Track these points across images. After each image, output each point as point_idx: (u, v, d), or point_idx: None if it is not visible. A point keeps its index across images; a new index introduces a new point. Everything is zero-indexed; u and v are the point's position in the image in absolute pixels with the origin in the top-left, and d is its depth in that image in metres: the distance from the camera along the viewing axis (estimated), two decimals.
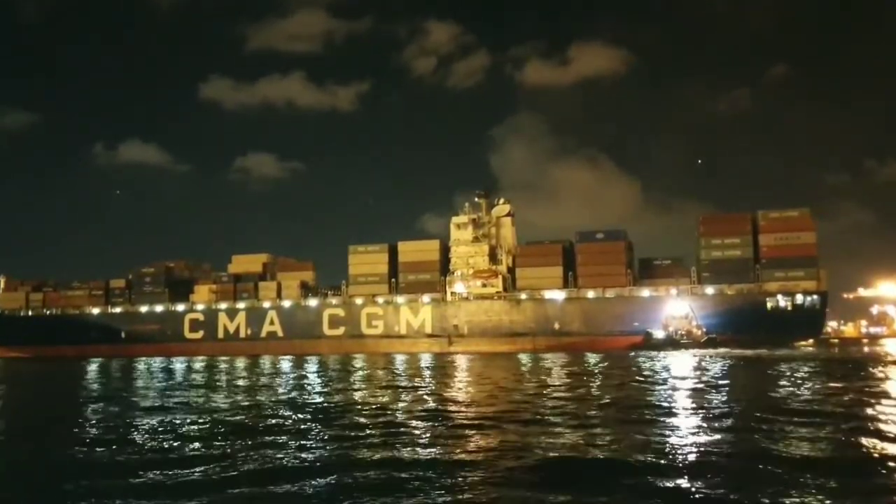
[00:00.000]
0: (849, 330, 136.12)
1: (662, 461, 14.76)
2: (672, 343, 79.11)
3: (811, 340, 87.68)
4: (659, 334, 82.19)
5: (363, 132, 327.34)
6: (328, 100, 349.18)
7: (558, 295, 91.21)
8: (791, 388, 30.75)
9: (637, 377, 38.32)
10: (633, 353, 71.70)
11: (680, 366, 48.30)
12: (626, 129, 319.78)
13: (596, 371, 46.87)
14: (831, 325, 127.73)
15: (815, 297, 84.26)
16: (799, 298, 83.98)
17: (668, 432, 18.55)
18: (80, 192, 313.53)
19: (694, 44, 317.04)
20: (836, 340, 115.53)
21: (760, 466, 14.08)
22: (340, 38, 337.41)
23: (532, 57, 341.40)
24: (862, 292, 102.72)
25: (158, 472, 14.89)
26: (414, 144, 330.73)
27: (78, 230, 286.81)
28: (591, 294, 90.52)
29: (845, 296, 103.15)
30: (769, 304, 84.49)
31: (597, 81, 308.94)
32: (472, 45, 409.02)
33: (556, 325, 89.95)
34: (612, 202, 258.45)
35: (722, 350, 70.83)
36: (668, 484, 12.95)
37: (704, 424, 20.00)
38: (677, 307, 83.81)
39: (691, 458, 15.32)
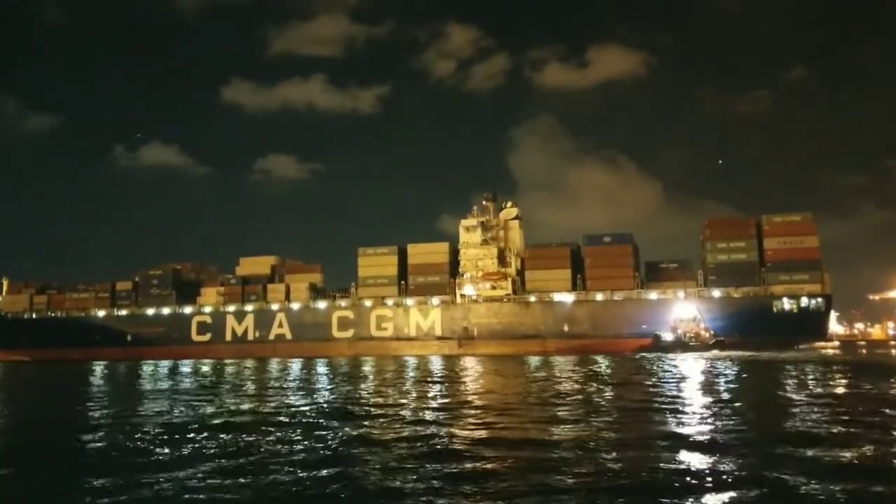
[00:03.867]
0: (876, 332, 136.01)
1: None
2: (681, 345, 79.97)
3: (837, 343, 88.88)
4: (667, 336, 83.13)
5: (383, 134, 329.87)
6: (349, 102, 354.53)
7: (567, 297, 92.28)
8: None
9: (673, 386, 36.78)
10: (643, 355, 72.89)
11: (699, 369, 49.15)
12: (646, 131, 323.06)
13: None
14: (858, 326, 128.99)
15: (819, 299, 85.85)
16: (804, 301, 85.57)
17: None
18: (100, 194, 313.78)
19: (711, 46, 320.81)
20: (863, 342, 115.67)
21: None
22: (361, 42, 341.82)
23: (551, 59, 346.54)
24: (890, 294, 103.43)
25: (164, 479, 14.29)
26: (433, 146, 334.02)
27: (88, 233, 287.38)
28: (599, 296, 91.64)
29: (871, 297, 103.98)
30: (775, 307, 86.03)
31: (615, 83, 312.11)
32: (492, 48, 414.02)
33: (566, 328, 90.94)
34: (633, 203, 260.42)
35: (735, 353, 71.83)
36: None
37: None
38: (685, 310, 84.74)
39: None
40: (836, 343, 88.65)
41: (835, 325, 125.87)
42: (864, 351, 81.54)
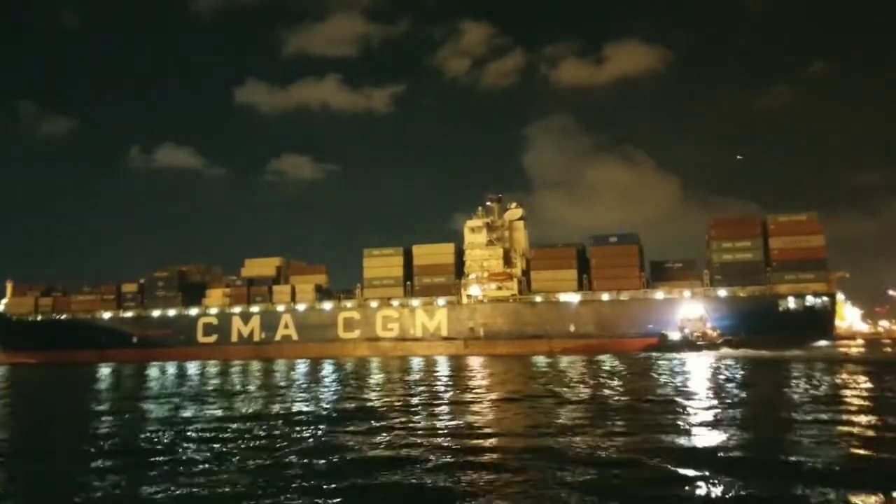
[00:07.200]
0: None
1: None
2: (688, 344, 79.94)
3: (861, 341, 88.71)
4: (674, 336, 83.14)
5: (398, 133, 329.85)
6: (363, 102, 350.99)
7: (573, 297, 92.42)
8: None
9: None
10: (653, 354, 73.02)
11: (720, 367, 49.24)
12: (664, 127, 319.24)
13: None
14: (882, 324, 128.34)
15: (824, 298, 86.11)
16: (809, 300, 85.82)
17: None
18: (113, 197, 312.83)
19: (730, 41, 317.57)
20: (888, 340, 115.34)
21: None
22: (376, 41, 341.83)
23: (567, 56, 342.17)
24: None
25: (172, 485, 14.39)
26: (447, 144, 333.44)
27: (96, 236, 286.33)
28: (605, 296, 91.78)
29: (892, 293, 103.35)
30: (780, 306, 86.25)
31: (633, 79, 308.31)
32: (507, 45, 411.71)
33: (572, 328, 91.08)
34: (651, 199, 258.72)
35: (749, 352, 71.72)
36: None
37: None
38: (691, 309, 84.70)
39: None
40: (861, 341, 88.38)
41: (859, 324, 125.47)
42: (889, 349, 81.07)
